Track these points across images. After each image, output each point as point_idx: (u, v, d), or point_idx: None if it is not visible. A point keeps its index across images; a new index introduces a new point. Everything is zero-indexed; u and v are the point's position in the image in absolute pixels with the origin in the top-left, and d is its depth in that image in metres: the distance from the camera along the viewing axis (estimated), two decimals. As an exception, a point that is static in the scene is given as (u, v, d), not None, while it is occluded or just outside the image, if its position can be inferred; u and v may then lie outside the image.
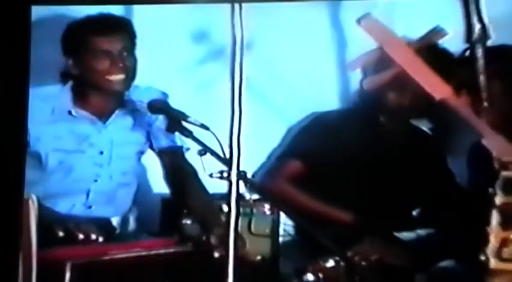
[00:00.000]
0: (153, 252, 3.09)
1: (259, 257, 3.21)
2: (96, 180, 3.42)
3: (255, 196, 3.30)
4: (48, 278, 2.93)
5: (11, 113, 2.91)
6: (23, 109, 2.93)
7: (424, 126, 3.64)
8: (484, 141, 2.72)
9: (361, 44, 3.05)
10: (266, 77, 3.68)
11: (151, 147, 3.50)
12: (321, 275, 3.06)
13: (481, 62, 2.76)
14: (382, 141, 3.55)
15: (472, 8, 2.75)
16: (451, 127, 3.45)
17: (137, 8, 3.62)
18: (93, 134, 3.43)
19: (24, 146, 3.01)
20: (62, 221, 3.28)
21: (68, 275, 2.93)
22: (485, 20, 2.75)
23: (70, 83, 3.46)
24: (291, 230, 3.47)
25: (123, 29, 3.43)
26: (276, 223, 3.28)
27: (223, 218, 2.96)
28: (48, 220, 3.20)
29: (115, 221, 3.48)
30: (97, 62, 3.38)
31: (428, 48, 2.95)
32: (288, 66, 3.70)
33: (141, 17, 3.57)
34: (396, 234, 3.32)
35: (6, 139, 2.90)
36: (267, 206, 3.28)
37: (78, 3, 3.47)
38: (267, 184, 3.56)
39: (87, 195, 3.42)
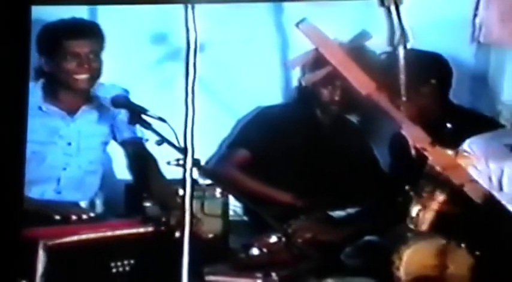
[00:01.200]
0: (117, 232, 3.17)
1: (211, 235, 3.38)
2: (65, 169, 3.61)
3: (208, 181, 3.46)
4: (22, 257, 3.01)
5: (11, 111, 2.92)
6: (23, 108, 2.93)
7: (354, 118, 3.93)
8: (403, 131, 2.88)
9: (301, 44, 3.13)
10: (217, 75, 3.87)
11: (114, 138, 3.69)
12: (265, 250, 3.21)
13: (401, 63, 2.90)
14: (318, 131, 3.85)
15: (394, 15, 2.93)
16: (376, 119, 3.66)
17: (102, 12, 3.77)
18: (62, 127, 3.61)
19: (25, 144, 3.00)
20: (38, 205, 3.39)
21: (40, 253, 3.02)
22: (406, 26, 2.87)
23: (41, 81, 3.61)
24: (239, 211, 3.70)
25: (93, 33, 3.61)
26: (226, 205, 3.47)
27: (179, 201, 3.01)
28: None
29: (83, 204, 3.64)
30: (66, 63, 3.56)
31: (357, 50, 3.06)
32: (236, 65, 3.92)
33: (105, 20, 3.71)
34: (329, 212, 3.54)
35: (5, 137, 2.91)
36: (218, 190, 3.45)
37: (77, 3, 3.58)
38: (218, 170, 3.80)
39: (58, 182, 3.59)
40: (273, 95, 3.99)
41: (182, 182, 2.96)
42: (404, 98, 2.91)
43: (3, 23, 2.86)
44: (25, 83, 2.96)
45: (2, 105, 2.89)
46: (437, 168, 2.78)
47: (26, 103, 2.94)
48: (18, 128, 2.92)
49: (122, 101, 3.50)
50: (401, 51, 2.91)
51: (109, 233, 3.18)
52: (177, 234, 3.11)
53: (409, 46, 2.90)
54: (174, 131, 3.14)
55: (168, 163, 3.12)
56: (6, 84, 2.88)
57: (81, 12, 3.67)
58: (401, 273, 2.80)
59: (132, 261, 3.16)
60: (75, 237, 3.13)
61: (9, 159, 2.92)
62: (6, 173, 2.91)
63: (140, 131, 3.61)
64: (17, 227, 2.91)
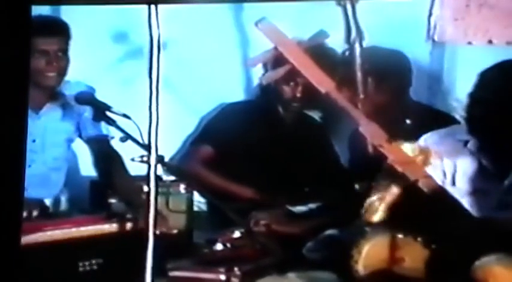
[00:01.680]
0: (82, 228, 3.17)
1: (175, 231, 3.37)
2: (30, 166, 3.58)
3: (172, 177, 3.47)
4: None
5: (11, 112, 2.84)
6: (23, 108, 2.87)
7: (316, 114, 4.00)
8: (361, 129, 2.89)
9: (261, 43, 3.09)
10: (180, 73, 3.94)
11: (80, 136, 3.74)
12: (228, 245, 3.22)
13: (358, 60, 2.89)
14: (280, 128, 3.93)
15: (350, 14, 2.99)
16: (338, 116, 3.62)
17: (64, 10, 3.82)
18: (28, 125, 3.73)
19: (25, 145, 2.92)
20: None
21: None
22: (361, 24, 2.89)
23: (6, 78, 3.78)
24: (204, 206, 3.78)
25: (61, 31, 3.62)
26: (190, 200, 3.47)
27: (144, 197, 2.94)
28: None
29: (48, 201, 3.67)
30: (34, 60, 3.53)
31: (316, 48, 3.06)
32: (200, 63, 3.99)
33: (68, 18, 3.70)
34: (291, 207, 3.58)
35: (5, 138, 2.82)
36: (182, 186, 3.44)
37: (77, 3, 3.64)
38: (182, 167, 3.86)
39: (23, 179, 3.74)
40: (235, 93, 4.06)
41: (147, 179, 2.93)
42: (362, 96, 2.95)
43: (3, 23, 2.79)
44: (25, 83, 2.90)
45: (2, 106, 2.84)
46: (394, 164, 2.85)
47: (26, 103, 2.89)
48: (19, 128, 2.87)
49: (86, 98, 3.53)
50: (357, 49, 2.95)
51: (73, 229, 3.18)
52: (139, 228, 3.11)
53: (365, 44, 2.92)
54: (138, 127, 3.13)
55: (132, 160, 3.02)
56: (6, 84, 2.83)
57: (43, 10, 3.66)
58: (360, 266, 2.86)
59: (98, 260, 3.16)
60: (39, 234, 3.12)
61: (9, 160, 2.93)
62: (5, 174, 2.92)
63: (106, 128, 3.64)
64: (17, 229, 2.86)
